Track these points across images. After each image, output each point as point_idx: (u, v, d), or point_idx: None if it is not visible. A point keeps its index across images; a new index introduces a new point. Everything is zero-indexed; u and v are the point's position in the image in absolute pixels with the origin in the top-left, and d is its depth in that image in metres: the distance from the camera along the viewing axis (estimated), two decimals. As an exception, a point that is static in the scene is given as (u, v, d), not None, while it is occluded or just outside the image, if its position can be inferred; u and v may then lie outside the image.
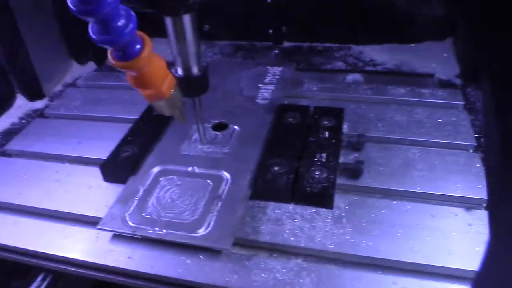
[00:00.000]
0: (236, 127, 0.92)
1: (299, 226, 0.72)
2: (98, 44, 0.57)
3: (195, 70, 0.76)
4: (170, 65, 0.70)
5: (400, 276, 0.65)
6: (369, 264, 0.67)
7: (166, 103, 0.70)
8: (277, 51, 1.29)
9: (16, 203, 0.83)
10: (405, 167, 0.81)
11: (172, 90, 0.69)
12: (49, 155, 0.96)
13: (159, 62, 0.65)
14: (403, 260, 0.66)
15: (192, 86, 0.77)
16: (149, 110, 1.00)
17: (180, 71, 0.76)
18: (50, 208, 0.81)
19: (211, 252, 0.70)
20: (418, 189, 0.77)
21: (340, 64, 1.19)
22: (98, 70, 1.33)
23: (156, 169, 0.84)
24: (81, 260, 0.72)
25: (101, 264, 0.71)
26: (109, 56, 0.61)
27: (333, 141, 0.84)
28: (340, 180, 0.79)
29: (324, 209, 0.74)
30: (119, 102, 1.09)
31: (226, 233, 0.69)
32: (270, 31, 1.31)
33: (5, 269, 0.98)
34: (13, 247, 0.76)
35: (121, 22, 0.56)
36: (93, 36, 0.56)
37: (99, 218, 0.76)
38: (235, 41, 1.36)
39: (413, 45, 1.23)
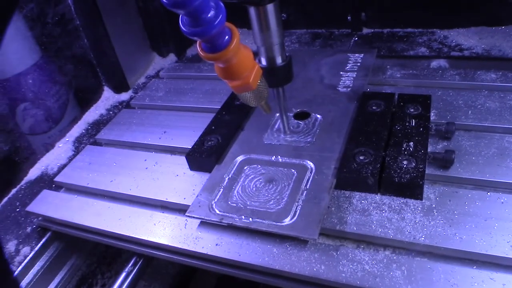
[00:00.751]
0: (318, 115, 0.91)
1: (387, 217, 0.69)
2: (188, 36, 0.57)
3: (279, 60, 0.75)
4: (254, 55, 0.70)
5: (498, 272, 0.61)
6: (463, 258, 0.64)
7: (253, 94, 0.70)
8: (356, 38, 1.25)
9: (109, 190, 0.87)
10: (500, 156, 0.76)
11: (259, 81, 0.69)
12: (137, 144, 0.99)
13: (247, 53, 0.65)
14: (501, 255, 0.62)
15: (276, 76, 0.76)
16: (231, 99, 1.01)
17: (264, 61, 0.76)
18: (140, 195, 0.84)
19: (297, 241, 0.69)
20: (515, 181, 0.72)
21: (423, 50, 1.13)
22: (178, 61, 1.37)
23: (240, 158, 0.84)
24: (171, 246, 0.74)
25: (190, 250, 0.72)
26: (198, 48, 0.61)
27: (421, 129, 0.80)
28: (429, 170, 0.75)
29: (413, 200, 0.71)
30: (201, 92, 1.11)
31: (313, 223, 0.69)
32: (349, 17, 1.27)
33: (97, 254, 1.03)
34: (107, 231, 0.80)
35: (211, 14, 0.56)
36: (183, 28, 0.57)
37: (187, 206, 0.77)
38: (312, 29, 1.34)
39: (503, 27, 1.15)
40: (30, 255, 0.87)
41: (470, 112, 0.87)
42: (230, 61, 0.62)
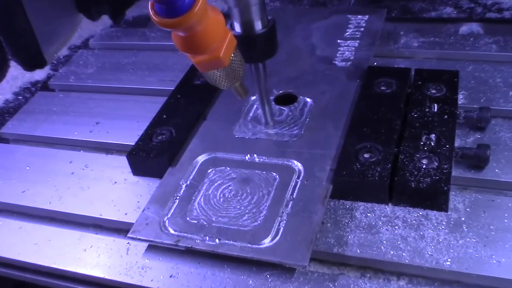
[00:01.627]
0: (308, 99, 0.92)
1: (402, 235, 0.71)
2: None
3: (258, 26, 0.76)
4: (226, 19, 0.69)
5: (549, 307, 0.64)
6: (502, 288, 0.66)
7: (225, 72, 0.70)
8: (358, -6, 1.27)
9: (20, 204, 0.87)
10: (550, 153, 0.79)
11: (233, 55, 0.69)
12: (59, 140, 0.99)
13: (217, 18, 0.65)
14: (553, 283, 0.64)
15: (255, 47, 0.77)
16: (189, 78, 1.01)
17: (238, 28, 0.76)
18: (64, 211, 0.84)
19: (281, 269, 0.70)
20: None
21: (449, 11, 1.16)
22: (115, 26, 1.36)
23: (201, 158, 0.85)
24: (107, 279, 0.74)
25: (134, 285, 0.72)
26: (150, 12, 0.61)
27: (445, 117, 0.82)
28: (456, 172, 0.77)
29: (435, 212, 0.73)
30: (147, 68, 1.12)
31: (301, 245, 0.70)
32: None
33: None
34: (18, 261, 0.80)
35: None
36: None
37: (129, 224, 0.78)
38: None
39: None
40: None
41: (511, 93, 0.89)
42: (193, 29, 0.62)
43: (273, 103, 0.93)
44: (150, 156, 0.86)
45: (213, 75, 0.71)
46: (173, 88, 1.00)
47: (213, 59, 0.66)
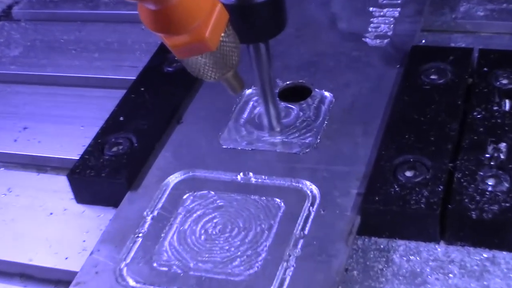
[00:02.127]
0: (326, 93, 0.94)
1: (458, 287, 0.72)
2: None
3: None
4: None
5: None
6: None
7: (212, 59, 0.72)
8: None
9: None
10: None
11: (223, 35, 0.71)
12: (-31, 153, 1.01)
13: None
14: None
15: (254, 22, 0.79)
16: (156, 63, 1.03)
17: (230, -5, 0.78)
18: (-22, 255, 0.86)
19: (287, 336, 0.72)
20: None
21: (531, -39, 1.17)
22: (49, -12, 1.38)
23: (174, 179, 0.87)
24: None
25: None
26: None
27: (521, 118, 0.85)
28: (535, 197, 0.79)
29: (505, 253, 0.74)
30: (96, 49, 1.13)
31: (317, 301, 0.71)
32: None
33: None
34: None
35: None
36: None
37: (72, 273, 0.79)
38: None
39: None
40: None
41: None
42: (169, 0, 0.63)
43: (277, 99, 0.94)
44: (101, 176, 0.87)
45: (196, 63, 0.72)
46: (134, 78, 1.02)
47: (196, 41, 0.67)
